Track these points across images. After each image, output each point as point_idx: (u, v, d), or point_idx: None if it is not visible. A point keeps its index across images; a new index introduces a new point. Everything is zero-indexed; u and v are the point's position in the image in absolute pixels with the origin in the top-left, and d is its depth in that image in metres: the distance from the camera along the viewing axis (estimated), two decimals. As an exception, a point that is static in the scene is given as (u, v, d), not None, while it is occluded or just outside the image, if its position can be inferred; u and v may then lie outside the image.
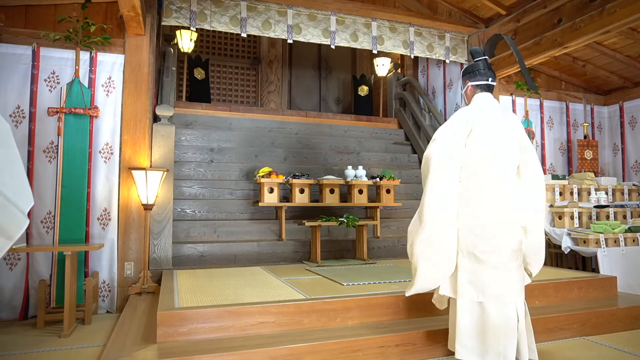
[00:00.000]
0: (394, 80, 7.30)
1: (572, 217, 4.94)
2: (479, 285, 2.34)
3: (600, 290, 3.65)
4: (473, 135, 2.41)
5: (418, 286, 2.47)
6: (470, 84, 2.58)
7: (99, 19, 4.11)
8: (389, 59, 7.59)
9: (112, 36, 4.07)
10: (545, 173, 5.96)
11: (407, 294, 2.54)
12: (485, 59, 2.59)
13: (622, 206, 5.24)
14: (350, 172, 5.01)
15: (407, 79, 7.12)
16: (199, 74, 6.98)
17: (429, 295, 3.03)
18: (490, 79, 2.55)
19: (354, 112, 7.97)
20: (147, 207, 3.96)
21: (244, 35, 4.70)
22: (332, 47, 5.11)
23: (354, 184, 4.95)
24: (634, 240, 4.69)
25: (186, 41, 6.55)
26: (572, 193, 5.21)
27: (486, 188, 2.39)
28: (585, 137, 6.24)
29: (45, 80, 3.93)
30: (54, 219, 3.77)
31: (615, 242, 4.60)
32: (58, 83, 3.96)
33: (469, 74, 2.60)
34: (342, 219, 4.46)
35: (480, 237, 2.35)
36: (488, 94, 2.55)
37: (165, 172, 4.06)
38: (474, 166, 2.40)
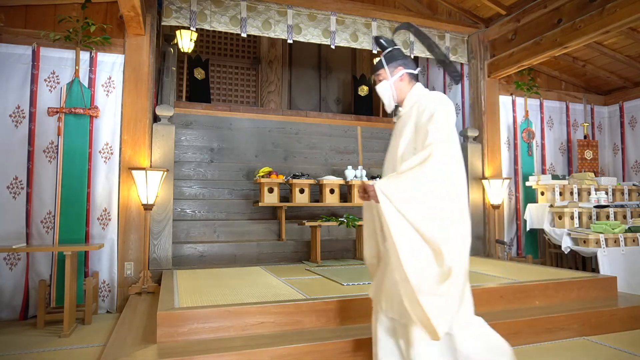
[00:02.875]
0: (394, 80, 7.28)
1: (572, 217, 4.94)
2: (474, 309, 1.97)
3: (600, 290, 3.64)
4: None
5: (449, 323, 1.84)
6: (405, 71, 2.09)
7: (99, 19, 4.11)
8: (389, 59, 7.57)
9: (112, 36, 4.08)
10: (545, 173, 5.96)
11: (440, 334, 1.78)
12: (399, 48, 2.18)
13: (622, 206, 5.24)
14: (350, 172, 5.01)
15: (407, 79, 7.10)
16: (199, 74, 6.98)
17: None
18: (417, 68, 2.15)
19: (354, 112, 7.97)
20: (147, 207, 3.96)
21: (244, 35, 4.70)
22: (332, 47, 5.11)
23: (354, 184, 4.94)
24: (634, 240, 4.69)
25: (186, 41, 6.55)
26: (572, 193, 5.21)
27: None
28: (585, 137, 6.24)
29: (45, 80, 3.93)
30: (54, 219, 3.77)
31: (615, 242, 4.60)
32: (58, 83, 3.96)
33: (402, 59, 2.11)
34: (342, 219, 4.46)
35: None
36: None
37: (165, 172, 4.06)
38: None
